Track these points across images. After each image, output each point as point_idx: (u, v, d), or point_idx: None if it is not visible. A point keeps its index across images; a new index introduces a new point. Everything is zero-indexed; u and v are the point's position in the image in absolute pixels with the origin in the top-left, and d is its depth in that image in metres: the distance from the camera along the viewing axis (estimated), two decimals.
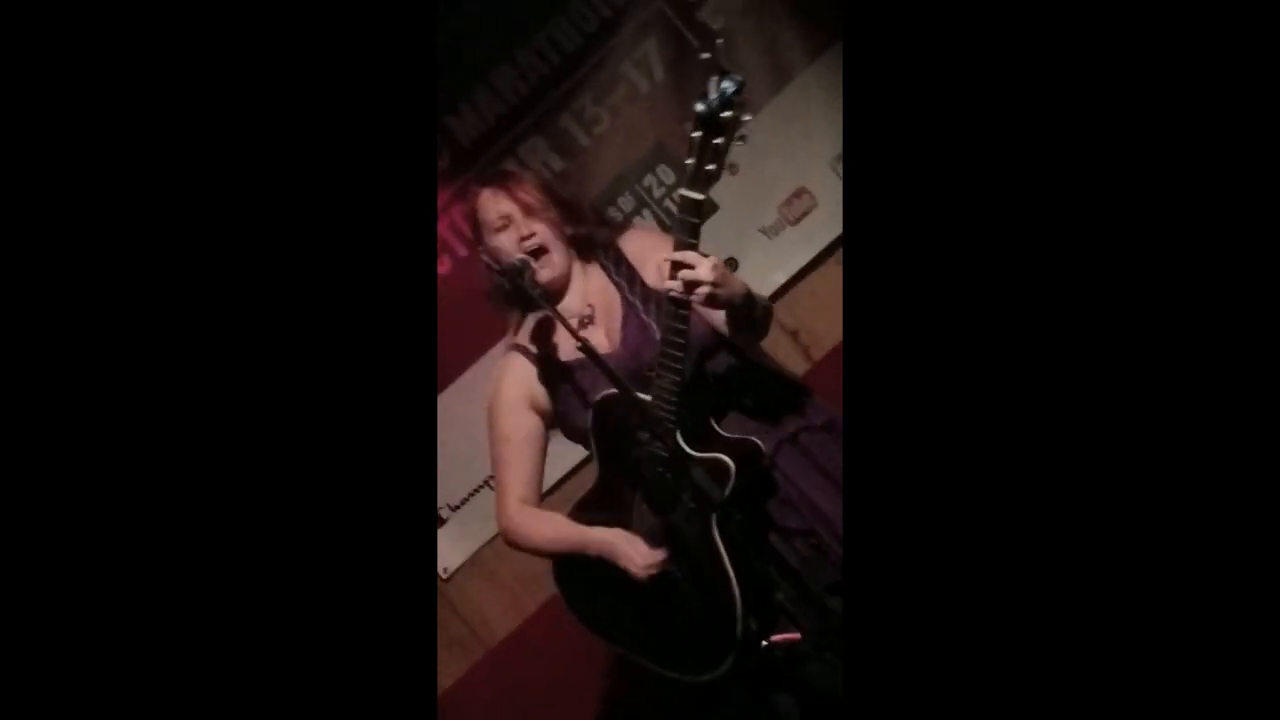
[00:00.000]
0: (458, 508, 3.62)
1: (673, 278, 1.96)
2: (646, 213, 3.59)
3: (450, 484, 3.56)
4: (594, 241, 2.35)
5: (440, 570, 3.68)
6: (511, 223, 2.26)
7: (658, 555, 2.18)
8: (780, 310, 3.56)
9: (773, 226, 3.54)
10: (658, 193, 3.58)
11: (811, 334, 3.55)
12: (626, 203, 3.60)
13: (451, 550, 3.65)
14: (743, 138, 1.86)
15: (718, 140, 1.84)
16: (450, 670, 3.70)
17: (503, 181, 2.32)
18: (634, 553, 2.19)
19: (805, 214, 3.53)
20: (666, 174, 3.57)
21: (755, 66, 3.47)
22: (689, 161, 1.88)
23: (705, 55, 1.82)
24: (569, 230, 2.30)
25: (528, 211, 2.26)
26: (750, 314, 2.14)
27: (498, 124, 3.59)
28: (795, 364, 3.55)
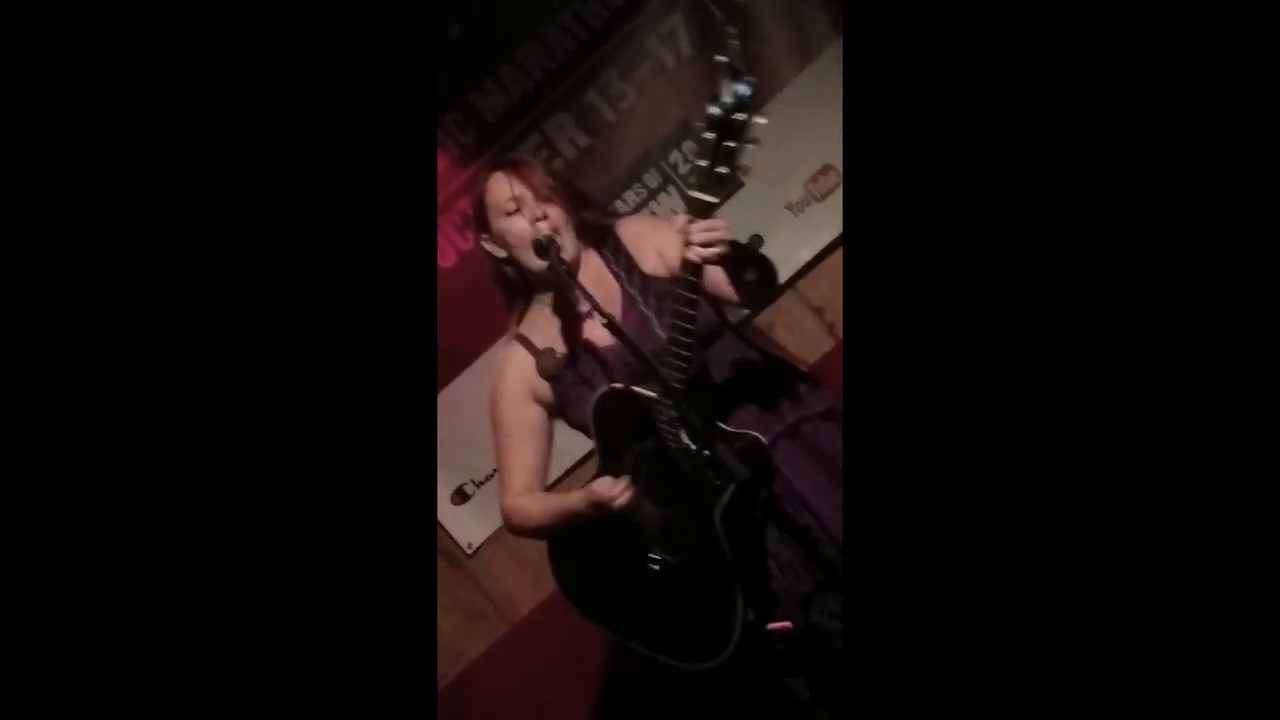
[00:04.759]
0: (482, 484, 3.64)
1: (687, 255, 1.93)
2: (672, 189, 3.58)
3: (474, 460, 3.57)
4: (597, 228, 2.34)
5: (465, 546, 3.70)
6: (523, 205, 2.24)
7: (622, 482, 2.17)
8: (805, 288, 3.55)
9: (799, 203, 3.53)
10: (683, 169, 3.57)
11: (837, 312, 3.54)
12: (652, 179, 3.59)
13: (476, 526, 3.67)
14: (755, 140, 1.83)
15: (730, 143, 1.82)
16: (474, 645, 3.73)
17: (513, 166, 2.29)
18: (608, 489, 2.17)
19: (831, 191, 3.52)
20: (693, 150, 3.56)
21: (781, 42, 3.45)
22: (700, 163, 1.84)
23: (721, 58, 1.78)
24: (577, 217, 2.29)
25: (539, 195, 2.25)
26: (763, 266, 2.12)
27: (523, 100, 3.58)
28: (820, 342, 3.54)
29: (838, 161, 3.48)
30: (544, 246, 2.18)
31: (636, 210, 3.56)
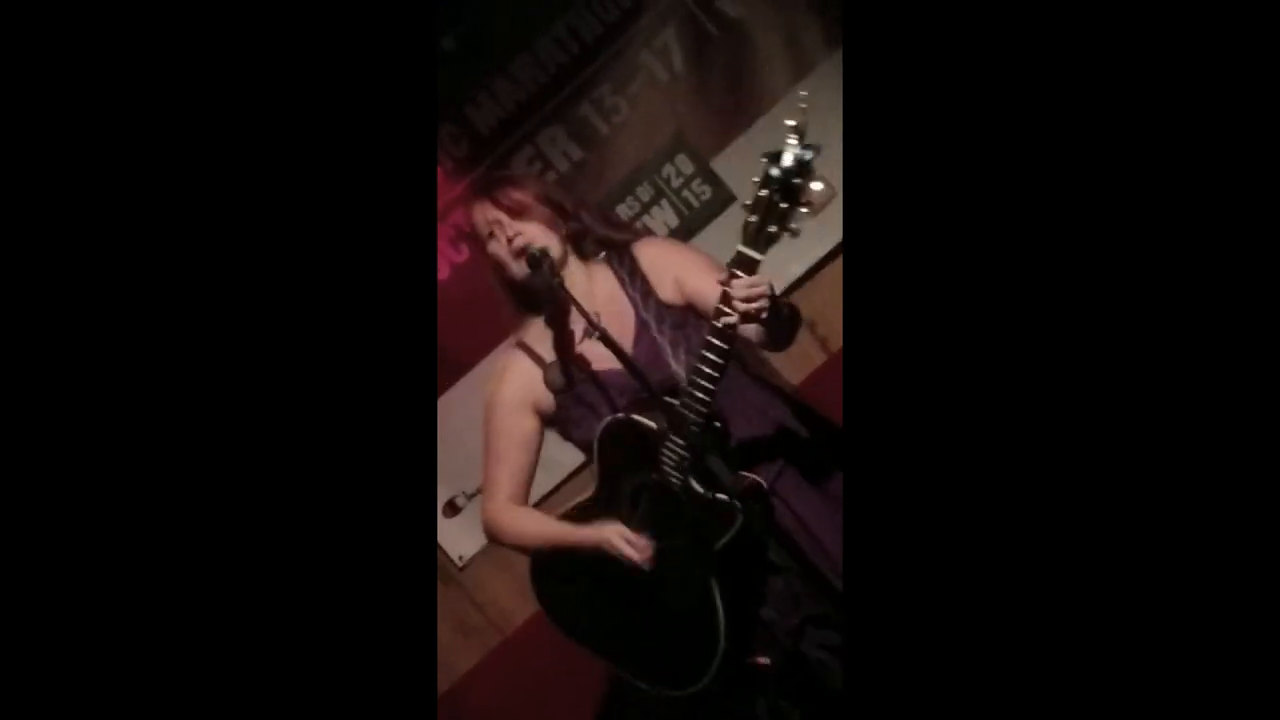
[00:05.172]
0: (474, 495, 3.63)
1: (725, 310, 1.93)
2: (665, 202, 3.58)
3: (466, 472, 3.55)
4: (595, 239, 2.34)
5: (456, 559, 3.69)
6: (499, 226, 2.26)
7: (648, 545, 2.19)
8: (798, 302, 3.55)
9: None
10: (676, 182, 3.57)
11: (829, 326, 3.54)
12: (645, 192, 3.59)
13: (467, 539, 3.66)
14: (810, 203, 1.84)
15: (784, 204, 1.83)
16: (466, 657, 3.72)
17: (491, 189, 2.31)
18: (631, 546, 2.19)
19: (823, 205, 3.51)
20: (685, 164, 3.57)
21: (774, 56, 3.46)
22: (751, 219, 1.86)
23: (790, 122, 1.79)
24: (565, 228, 2.30)
25: (515, 214, 2.26)
26: (793, 319, 2.14)
27: (517, 112, 3.59)
28: (812, 356, 3.54)
29: (831, 175, 3.47)
30: (536, 260, 2.19)
31: (631, 223, 3.56)
